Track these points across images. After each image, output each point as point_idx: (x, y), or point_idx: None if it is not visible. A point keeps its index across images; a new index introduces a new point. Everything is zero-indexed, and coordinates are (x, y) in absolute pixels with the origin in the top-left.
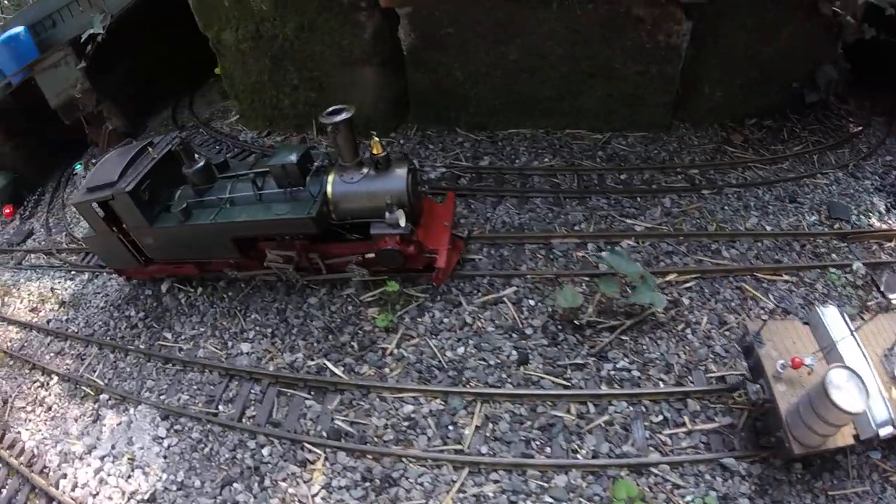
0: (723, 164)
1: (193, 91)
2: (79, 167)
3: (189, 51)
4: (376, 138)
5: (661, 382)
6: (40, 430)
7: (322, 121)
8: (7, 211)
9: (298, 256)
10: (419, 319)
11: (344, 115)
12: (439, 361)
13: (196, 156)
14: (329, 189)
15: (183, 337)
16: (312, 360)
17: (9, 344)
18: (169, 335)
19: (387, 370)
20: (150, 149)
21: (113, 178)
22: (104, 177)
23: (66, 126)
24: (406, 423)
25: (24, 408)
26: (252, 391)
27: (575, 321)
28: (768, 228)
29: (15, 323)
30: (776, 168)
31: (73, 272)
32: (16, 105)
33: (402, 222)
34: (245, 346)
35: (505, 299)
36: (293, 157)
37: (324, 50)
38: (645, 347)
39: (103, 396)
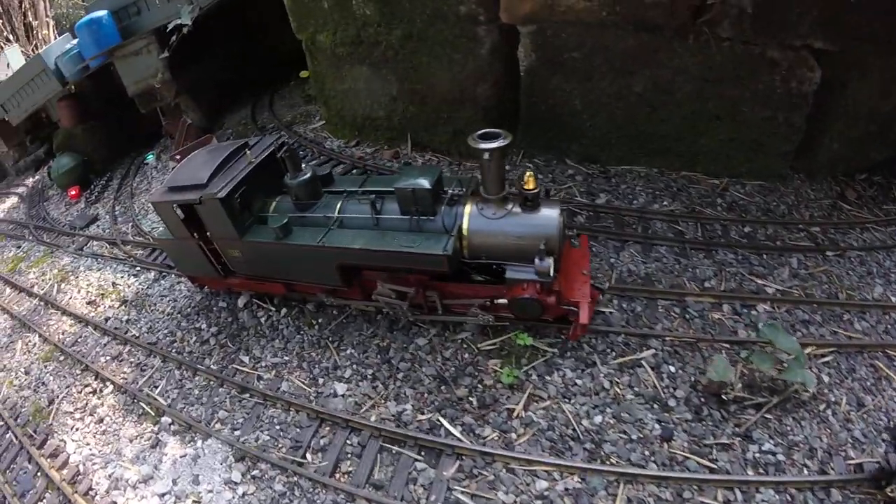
0: (841, 222)
1: (273, 91)
2: (150, 157)
3: (273, 50)
4: (530, 172)
5: (805, 468)
6: (88, 444)
7: (472, 145)
8: (73, 193)
9: (415, 293)
10: (548, 378)
11: (500, 143)
12: (574, 430)
13: (304, 166)
14: (465, 223)
15: (263, 364)
16: (423, 413)
17: (60, 336)
18: (246, 359)
19: (513, 436)
20: (247, 151)
21: (202, 179)
22: (191, 177)
23: (141, 115)
24: (539, 502)
25: (71, 413)
26: (349, 442)
27: (722, 395)
28: (893, 300)
29: (70, 315)
30: (892, 230)
31: (137, 268)
32: (92, 89)
33: (552, 272)
34: (340, 387)
35: (643, 363)
36: (426, 182)
37: (431, 62)
38: (789, 428)
39: (165, 419)
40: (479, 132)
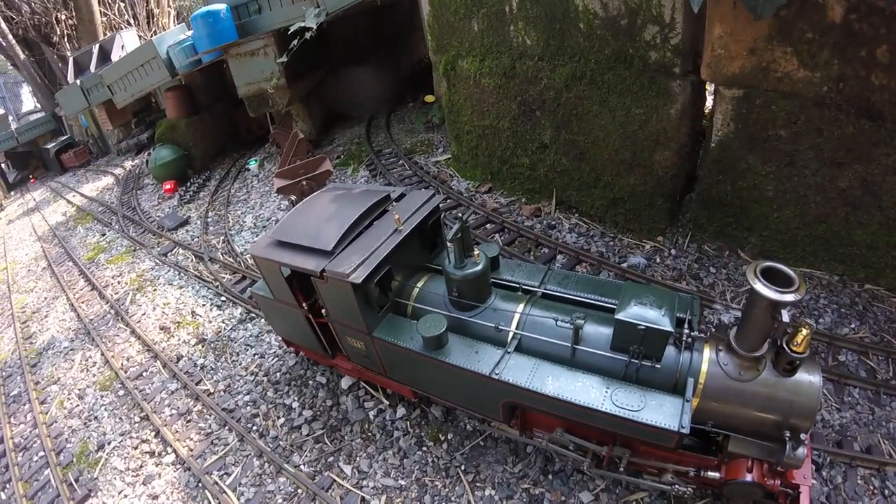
0: None
1: (390, 111)
2: (253, 163)
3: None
4: (807, 330)
5: None
6: None
7: (755, 285)
8: (168, 187)
9: (606, 452)
10: None
11: (794, 296)
12: None
13: (476, 251)
14: (702, 380)
15: (370, 484)
16: None
17: (124, 363)
18: (348, 469)
19: None
20: (394, 214)
21: (326, 244)
22: (312, 235)
23: (249, 118)
24: None
25: (122, 473)
26: None
27: None
28: None
29: (139, 338)
30: None
31: (222, 297)
32: (201, 83)
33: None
34: None
35: None
36: (667, 323)
37: (602, 112)
38: None
39: None
40: (762, 266)
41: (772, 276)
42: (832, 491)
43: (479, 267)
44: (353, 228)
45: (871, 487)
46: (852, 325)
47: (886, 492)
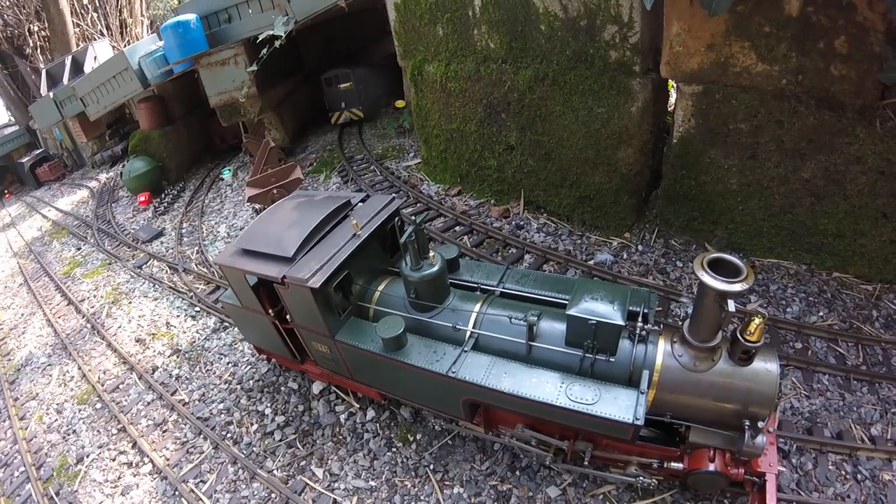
0: None
1: (362, 120)
2: (227, 173)
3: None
4: (760, 319)
5: None
6: None
7: (700, 275)
8: (142, 199)
9: (568, 447)
10: None
11: (741, 286)
12: None
13: (431, 253)
14: (657, 372)
15: (341, 486)
16: None
17: (101, 376)
18: (319, 472)
19: None
20: (352, 219)
21: (287, 250)
22: (273, 242)
23: (222, 127)
24: None
25: (100, 485)
26: None
27: None
28: None
29: (115, 351)
30: None
31: (197, 308)
32: (173, 93)
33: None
34: None
35: None
36: (618, 317)
37: (566, 113)
38: None
39: None
40: (709, 257)
41: (721, 267)
42: (803, 477)
43: (435, 268)
44: (313, 234)
45: (843, 473)
46: (821, 314)
47: (859, 476)
